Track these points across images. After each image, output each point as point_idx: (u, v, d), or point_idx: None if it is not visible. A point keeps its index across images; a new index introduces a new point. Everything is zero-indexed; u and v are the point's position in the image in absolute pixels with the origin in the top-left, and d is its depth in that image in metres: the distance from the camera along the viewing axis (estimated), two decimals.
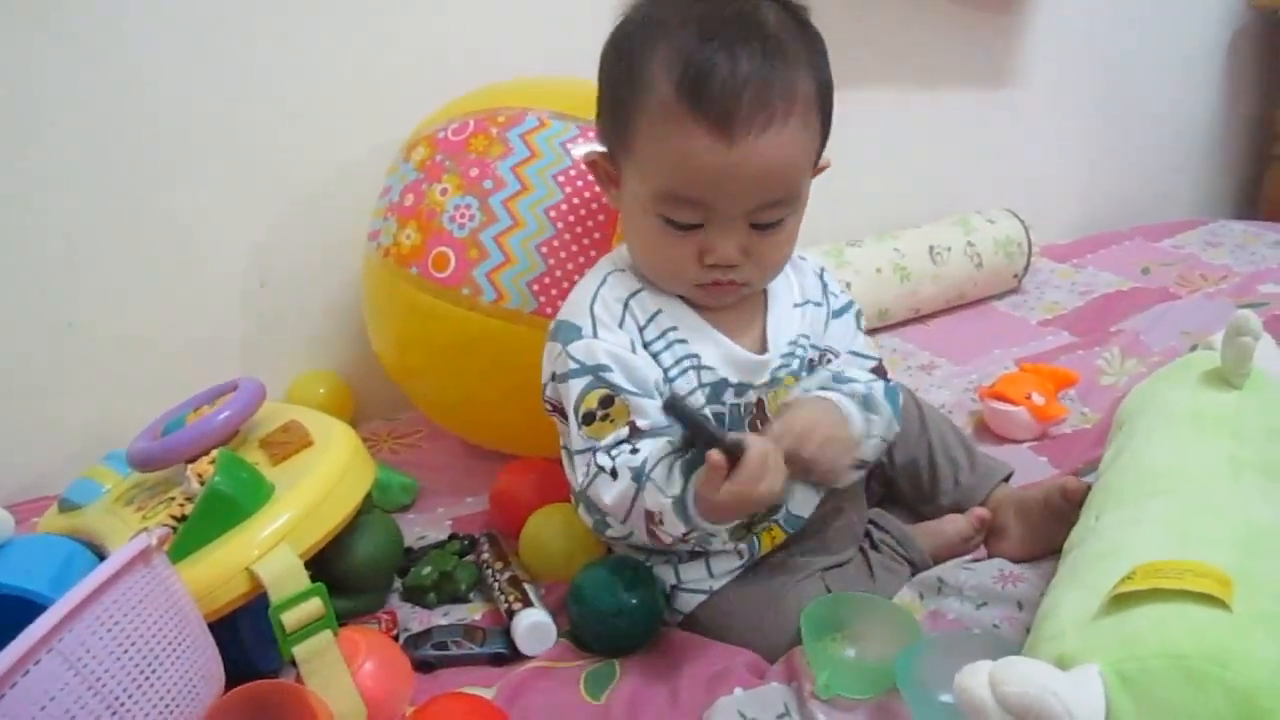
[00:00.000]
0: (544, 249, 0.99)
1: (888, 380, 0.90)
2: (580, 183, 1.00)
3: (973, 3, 1.71)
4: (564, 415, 0.83)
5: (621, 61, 0.79)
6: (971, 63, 1.76)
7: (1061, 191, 1.96)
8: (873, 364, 0.91)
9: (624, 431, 0.78)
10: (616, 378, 0.79)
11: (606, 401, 0.78)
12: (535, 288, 0.99)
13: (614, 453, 0.78)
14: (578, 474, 0.81)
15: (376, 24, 1.26)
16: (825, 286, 0.92)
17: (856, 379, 0.87)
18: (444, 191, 1.03)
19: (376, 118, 1.23)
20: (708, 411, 0.82)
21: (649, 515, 0.75)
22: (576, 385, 0.79)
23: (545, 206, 0.99)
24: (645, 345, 0.82)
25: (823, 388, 0.86)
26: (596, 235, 0.99)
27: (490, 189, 1.01)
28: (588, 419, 0.79)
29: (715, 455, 0.69)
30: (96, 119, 1.15)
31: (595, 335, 0.81)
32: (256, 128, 1.23)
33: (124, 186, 1.18)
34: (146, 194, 1.19)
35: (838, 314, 0.92)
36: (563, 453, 0.89)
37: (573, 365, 0.80)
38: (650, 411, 0.79)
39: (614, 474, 0.77)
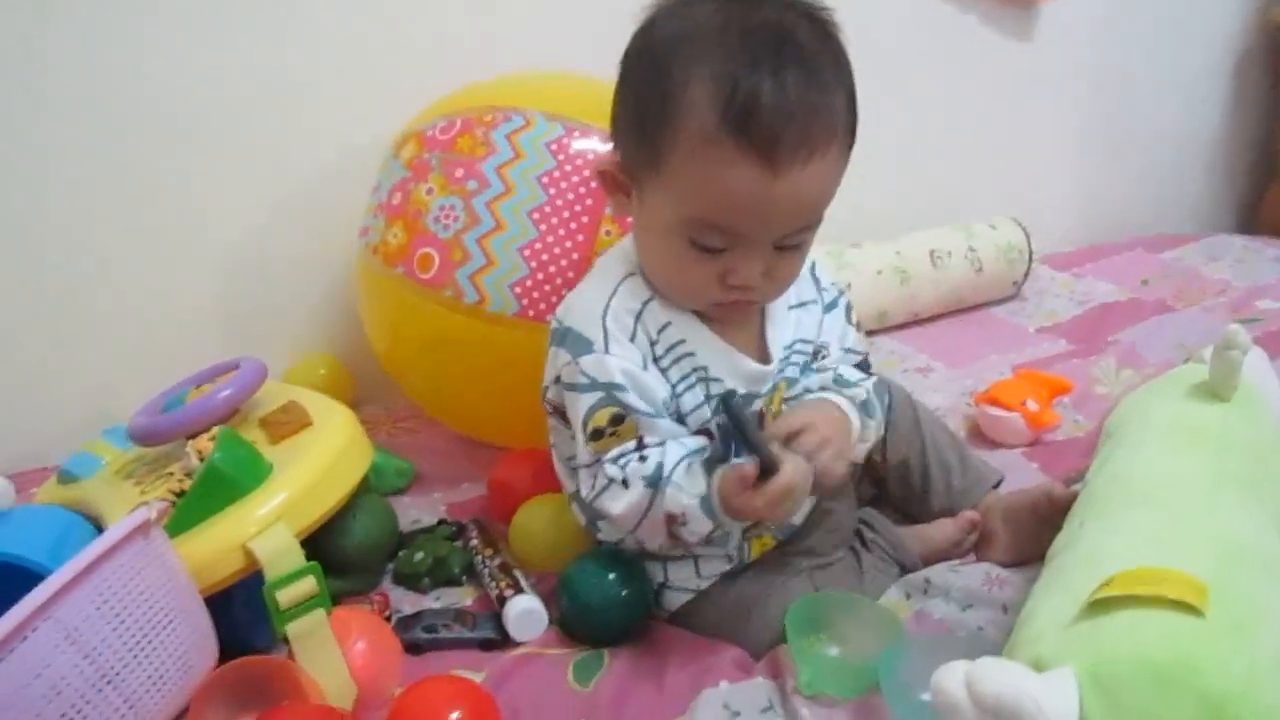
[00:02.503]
0: (526, 251, 0.99)
1: (870, 372, 0.91)
2: (564, 184, 1.00)
3: (978, 13, 1.71)
4: (563, 419, 0.84)
5: (653, 77, 0.75)
6: (977, 72, 1.76)
7: (1063, 201, 1.96)
8: (858, 358, 0.92)
9: (630, 445, 0.79)
10: (630, 398, 0.78)
11: (617, 420, 0.78)
12: (517, 290, 0.99)
13: (621, 462, 0.78)
14: (583, 486, 0.82)
15: (387, 5, 1.26)
16: (817, 282, 0.92)
17: (857, 382, 0.88)
18: (429, 191, 1.02)
19: (381, 103, 1.23)
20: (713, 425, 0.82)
21: (670, 517, 0.76)
22: (586, 400, 0.79)
23: (528, 209, 0.99)
24: (655, 360, 0.81)
25: (823, 388, 0.87)
26: (580, 238, 0.99)
27: (474, 190, 1.00)
28: (596, 435, 0.79)
29: (749, 467, 0.71)
30: (99, 97, 1.15)
31: (607, 350, 0.79)
32: (260, 109, 1.23)
33: (126, 159, 1.18)
34: (149, 170, 1.20)
35: (830, 308, 0.92)
36: (552, 451, 0.90)
37: (583, 379, 0.79)
38: (661, 430, 0.79)
39: (625, 484, 0.78)
